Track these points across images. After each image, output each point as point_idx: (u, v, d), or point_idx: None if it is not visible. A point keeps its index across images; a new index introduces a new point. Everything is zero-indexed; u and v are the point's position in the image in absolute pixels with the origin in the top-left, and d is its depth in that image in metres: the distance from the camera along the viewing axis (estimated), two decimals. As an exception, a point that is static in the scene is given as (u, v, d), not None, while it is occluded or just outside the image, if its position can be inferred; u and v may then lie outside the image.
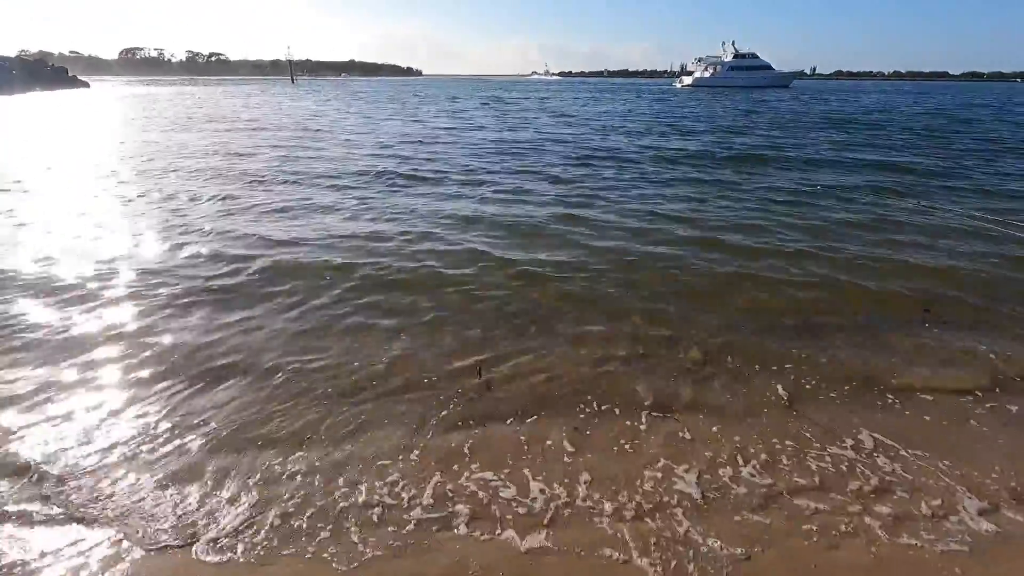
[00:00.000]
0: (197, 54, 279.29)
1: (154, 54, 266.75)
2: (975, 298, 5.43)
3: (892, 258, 6.59)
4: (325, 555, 2.58)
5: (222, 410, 3.65)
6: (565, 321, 4.95)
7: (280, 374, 4.07)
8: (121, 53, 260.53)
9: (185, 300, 5.33)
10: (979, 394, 3.86)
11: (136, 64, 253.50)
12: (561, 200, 9.59)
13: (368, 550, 2.60)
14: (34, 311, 5.05)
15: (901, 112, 31.74)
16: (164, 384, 3.92)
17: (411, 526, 2.74)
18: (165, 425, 3.49)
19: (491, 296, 5.44)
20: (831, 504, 2.87)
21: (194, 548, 2.60)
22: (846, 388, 3.94)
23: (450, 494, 2.95)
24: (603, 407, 3.74)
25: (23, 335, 4.59)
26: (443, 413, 3.66)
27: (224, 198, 9.71)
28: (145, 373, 4.06)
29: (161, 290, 5.55)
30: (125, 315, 5.00)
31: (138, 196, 9.84)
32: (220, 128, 22.27)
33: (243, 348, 4.44)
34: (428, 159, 14.28)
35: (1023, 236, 7.47)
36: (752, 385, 3.98)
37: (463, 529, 2.72)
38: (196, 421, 3.53)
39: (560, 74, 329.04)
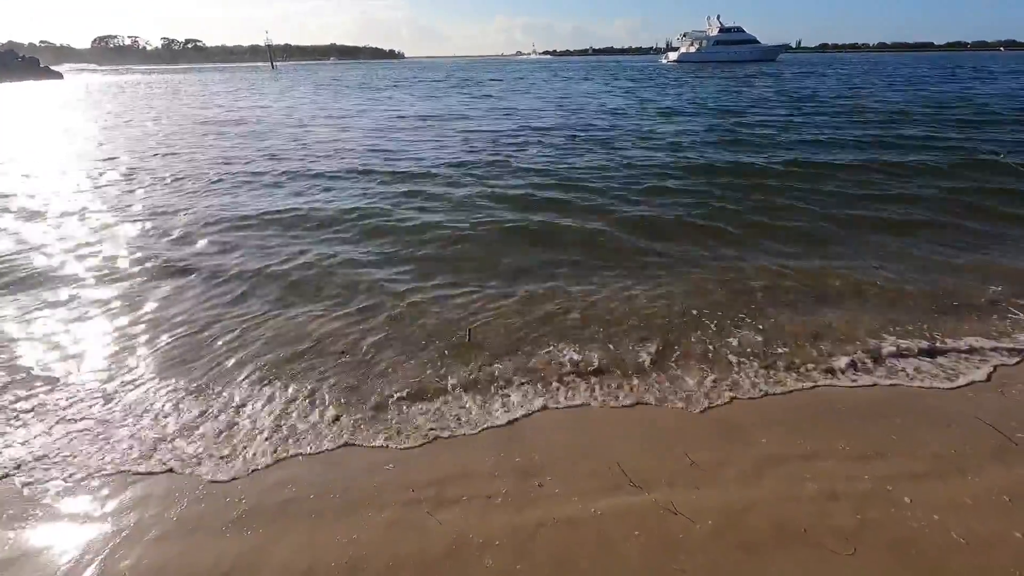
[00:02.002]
0: (172, 41, 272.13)
1: (128, 42, 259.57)
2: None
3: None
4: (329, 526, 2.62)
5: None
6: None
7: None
8: (94, 42, 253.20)
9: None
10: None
11: (110, 52, 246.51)
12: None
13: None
14: None
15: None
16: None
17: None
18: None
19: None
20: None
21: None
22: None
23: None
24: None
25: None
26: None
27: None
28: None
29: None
30: None
31: None
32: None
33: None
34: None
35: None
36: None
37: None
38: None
39: (545, 53, 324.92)
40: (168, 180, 10.18)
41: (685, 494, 2.78)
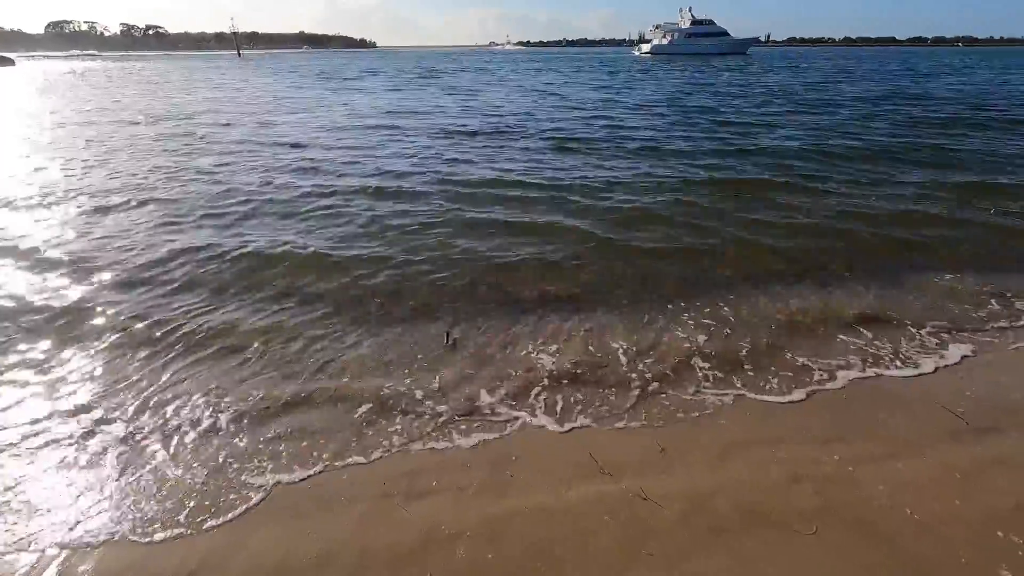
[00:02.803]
0: (132, 27, 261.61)
1: (84, 27, 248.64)
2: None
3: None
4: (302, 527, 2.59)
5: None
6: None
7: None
8: (47, 27, 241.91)
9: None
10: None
11: (66, 38, 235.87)
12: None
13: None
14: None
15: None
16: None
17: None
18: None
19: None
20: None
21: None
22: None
23: (419, 465, 2.97)
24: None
25: None
26: (409, 387, 3.66)
27: None
28: None
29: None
30: None
31: None
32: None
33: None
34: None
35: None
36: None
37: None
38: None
39: (520, 44, 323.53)
40: (72, 196, 8.43)
41: (655, 480, 2.83)
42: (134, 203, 8.08)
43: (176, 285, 5.31)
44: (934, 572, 2.29)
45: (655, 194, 8.32)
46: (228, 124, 16.24)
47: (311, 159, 11.10)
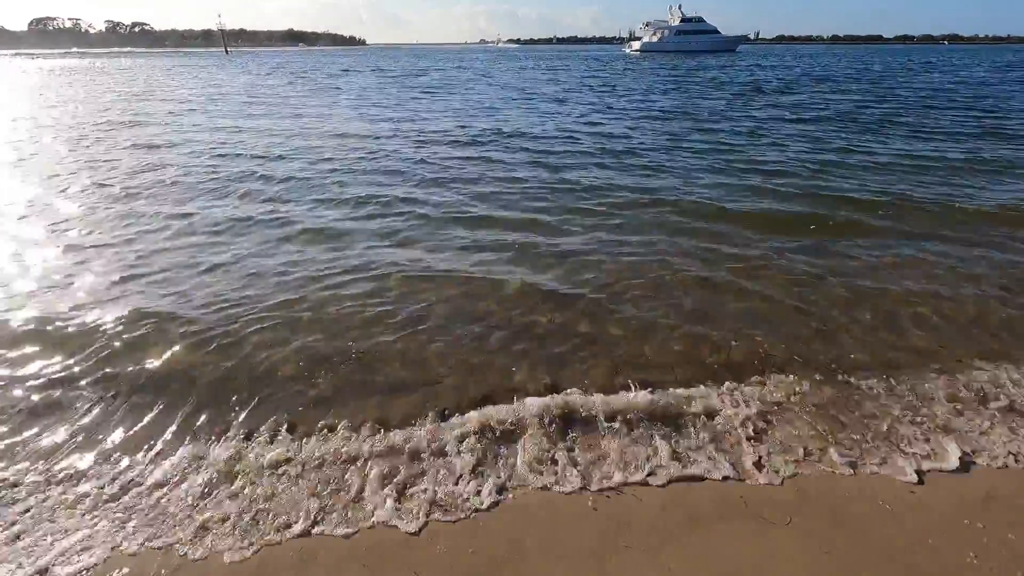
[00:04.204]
0: (118, 24, 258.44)
1: (69, 24, 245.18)
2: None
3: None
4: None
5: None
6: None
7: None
8: (31, 24, 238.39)
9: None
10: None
11: (49, 36, 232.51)
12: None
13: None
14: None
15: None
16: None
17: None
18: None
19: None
20: (761, 445, 3.08)
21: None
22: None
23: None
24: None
25: None
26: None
27: None
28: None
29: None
30: None
31: None
32: None
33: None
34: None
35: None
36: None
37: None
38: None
39: (511, 41, 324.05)
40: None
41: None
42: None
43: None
44: (903, 558, 2.35)
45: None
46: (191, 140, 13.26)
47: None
